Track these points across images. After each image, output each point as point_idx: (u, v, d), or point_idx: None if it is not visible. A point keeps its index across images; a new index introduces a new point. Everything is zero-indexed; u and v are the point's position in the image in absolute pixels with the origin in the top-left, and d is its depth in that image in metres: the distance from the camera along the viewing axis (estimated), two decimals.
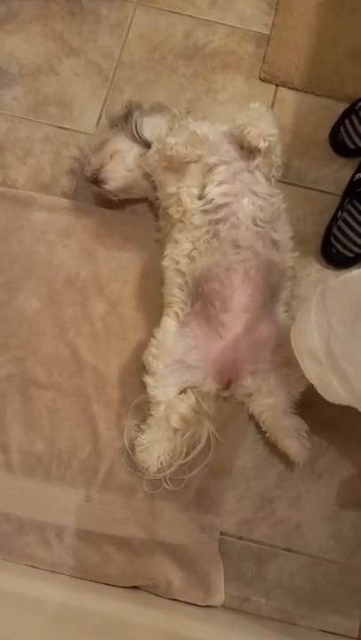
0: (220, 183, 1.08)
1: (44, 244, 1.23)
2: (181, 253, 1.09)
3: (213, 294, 1.06)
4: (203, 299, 1.07)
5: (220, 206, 1.07)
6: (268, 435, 1.11)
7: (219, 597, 1.06)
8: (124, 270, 1.22)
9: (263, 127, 1.06)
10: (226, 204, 1.07)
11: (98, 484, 1.11)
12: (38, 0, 1.41)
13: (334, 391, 0.84)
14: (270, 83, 1.38)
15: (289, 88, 1.38)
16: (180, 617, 1.00)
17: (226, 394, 1.11)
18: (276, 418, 1.08)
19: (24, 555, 1.06)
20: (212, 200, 1.07)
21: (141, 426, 1.11)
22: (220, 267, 1.06)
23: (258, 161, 1.10)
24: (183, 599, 1.05)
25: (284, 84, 1.38)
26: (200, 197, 1.09)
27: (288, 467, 1.13)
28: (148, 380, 1.08)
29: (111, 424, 1.14)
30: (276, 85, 1.38)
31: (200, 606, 1.05)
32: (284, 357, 1.06)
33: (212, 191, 1.07)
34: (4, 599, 0.92)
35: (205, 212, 1.08)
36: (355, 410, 0.88)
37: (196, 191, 1.09)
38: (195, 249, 1.08)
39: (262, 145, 1.05)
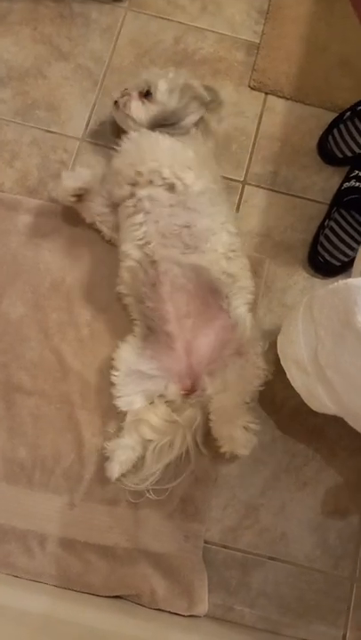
0: (127, 217, 1.10)
1: (30, 249, 1.22)
2: (120, 276, 1.12)
3: (149, 311, 1.09)
4: (144, 316, 1.10)
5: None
6: (212, 423, 1.07)
7: (202, 607, 1.05)
8: (110, 276, 1.21)
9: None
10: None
11: (82, 491, 1.09)
12: (27, 2, 1.40)
13: (321, 401, 0.84)
14: (260, 91, 1.39)
15: (278, 96, 1.38)
16: (163, 627, 0.99)
17: (193, 400, 1.10)
18: (226, 408, 1.07)
19: (6, 563, 1.04)
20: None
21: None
22: (146, 285, 1.08)
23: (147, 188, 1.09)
24: (167, 609, 1.04)
25: (273, 93, 1.38)
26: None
27: (274, 475, 1.13)
28: (113, 390, 1.10)
29: (96, 431, 1.12)
30: (266, 94, 1.39)
31: (184, 616, 1.04)
32: (235, 349, 1.07)
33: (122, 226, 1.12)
34: None
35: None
36: (341, 418, 0.88)
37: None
38: (125, 270, 1.11)
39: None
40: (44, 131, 1.32)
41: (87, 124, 1.33)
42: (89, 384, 1.15)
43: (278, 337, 0.92)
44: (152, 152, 1.10)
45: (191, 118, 1.18)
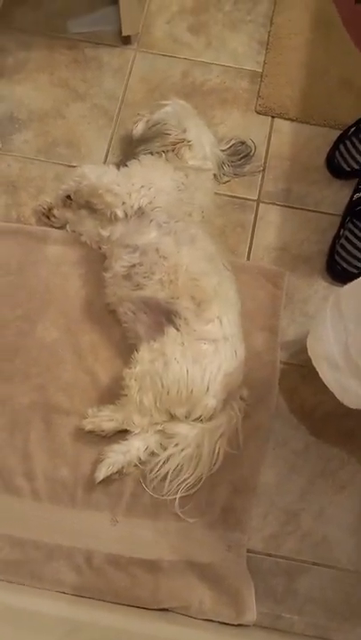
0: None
1: (60, 276, 1.28)
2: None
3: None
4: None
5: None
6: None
7: (251, 615, 1.05)
8: None
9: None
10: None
11: (123, 506, 1.12)
12: (44, 51, 1.50)
13: (355, 395, 0.87)
14: (266, 115, 1.46)
15: (284, 119, 1.46)
16: (216, 635, 0.99)
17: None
18: None
19: (55, 581, 1.06)
20: None
21: None
22: (128, 330, 1.19)
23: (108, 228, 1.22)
24: (215, 618, 1.04)
25: (279, 116, 1.46)
26: None
27: (309, 481, 1.15)
28: None
29: None
30: (272, 117, 1.46)
31: (233, 625, 1.04)
32: None
33: None
34: (38, 623, 0.92)
35: None
36: None
37: None
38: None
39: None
40: (65, 166, 1.39)
41: (106, 157, 1.41)
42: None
43: (308, 339, 0.96)
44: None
45: (155, 145, 1.26)
